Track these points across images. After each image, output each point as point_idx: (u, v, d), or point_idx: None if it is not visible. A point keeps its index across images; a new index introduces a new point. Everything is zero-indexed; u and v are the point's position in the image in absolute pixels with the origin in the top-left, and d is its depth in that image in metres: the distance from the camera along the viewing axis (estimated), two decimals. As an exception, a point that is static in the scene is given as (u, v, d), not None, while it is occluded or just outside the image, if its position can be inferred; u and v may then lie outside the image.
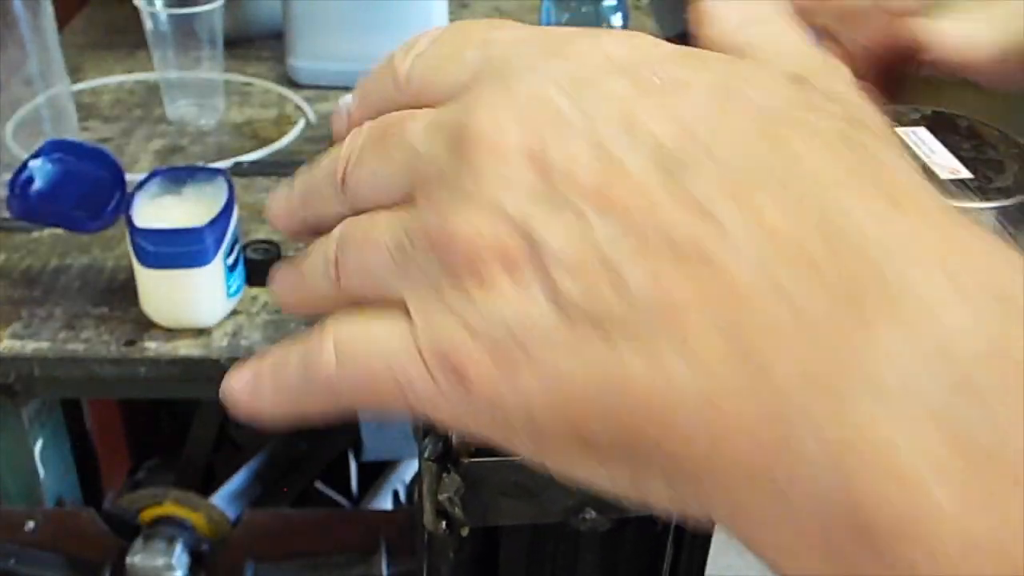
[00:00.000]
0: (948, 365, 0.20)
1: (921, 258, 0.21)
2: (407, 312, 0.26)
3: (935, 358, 0.20)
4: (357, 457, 1.59)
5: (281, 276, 0.32)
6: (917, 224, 0.22)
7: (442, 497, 0.38)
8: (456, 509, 0.38)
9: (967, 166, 0.59)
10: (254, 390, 0.29)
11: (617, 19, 1.14)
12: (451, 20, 1.30)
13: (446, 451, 0.38)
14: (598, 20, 1.14)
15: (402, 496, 1.45)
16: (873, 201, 0.22)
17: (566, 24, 1.14)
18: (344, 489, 1.59)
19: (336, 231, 0.29)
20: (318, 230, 0.31)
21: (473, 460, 0.37)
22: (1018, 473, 0.19)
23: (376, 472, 1.62)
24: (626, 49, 0.27)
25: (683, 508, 0.23)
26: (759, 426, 0.21)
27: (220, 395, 0.30)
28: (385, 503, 1.56)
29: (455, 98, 0.27)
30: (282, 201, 0.33)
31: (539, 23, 1.17)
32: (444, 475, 0.37)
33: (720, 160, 0.23)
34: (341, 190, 0.29)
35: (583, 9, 1.14)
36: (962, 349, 0.20)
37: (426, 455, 0.38)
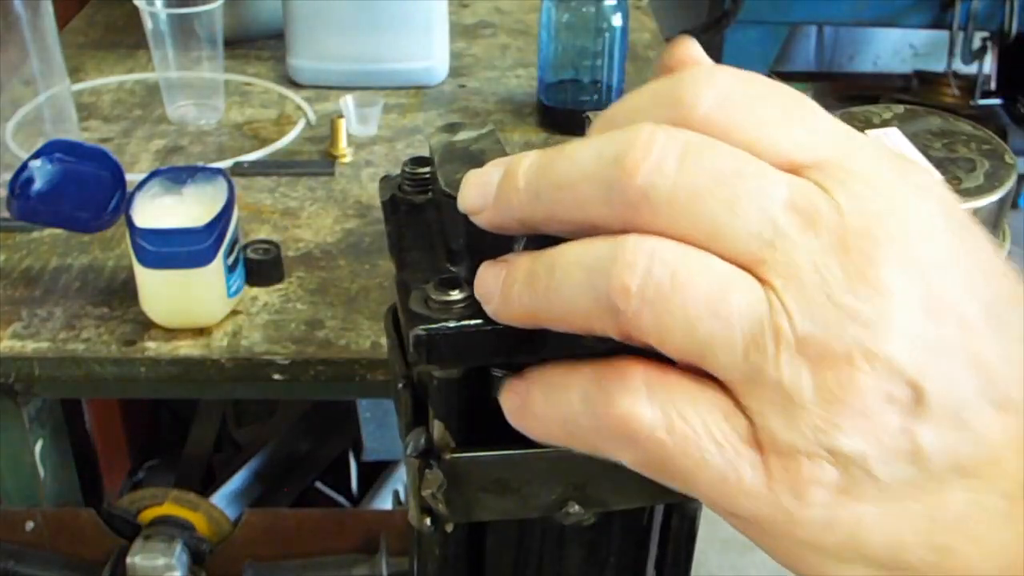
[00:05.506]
0: None
1: None
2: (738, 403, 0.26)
3: None
4: (357, 457, 1.59)
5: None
6: None
7: (425, 493, 0.37)
8: (439, 505, 0.37)
9: (938, 167, 0.59)
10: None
11: (617, 19, 1.14)
12: (451, 20, 1.30)
13: (428, 447, 0.38)
14: (598, 20, 1.14)
15: (402, 496, 1.45)
16: None
17: (566, 24, 1.14)
18: (344, 489, 1.60)
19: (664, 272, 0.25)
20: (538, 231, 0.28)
21: (454, 455, 0.37)
22: None
23: (376, 472, 1.62)
24: None
25: None
26: None
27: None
28: (385, 503, 1.56)
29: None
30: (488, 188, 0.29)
31: (539, 23, 1.17)
32: (427, 471, 0.37)
33: None
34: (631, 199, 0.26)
35: (583, 9, 1.14)
36: None
37: (408, 451, 0.38)
